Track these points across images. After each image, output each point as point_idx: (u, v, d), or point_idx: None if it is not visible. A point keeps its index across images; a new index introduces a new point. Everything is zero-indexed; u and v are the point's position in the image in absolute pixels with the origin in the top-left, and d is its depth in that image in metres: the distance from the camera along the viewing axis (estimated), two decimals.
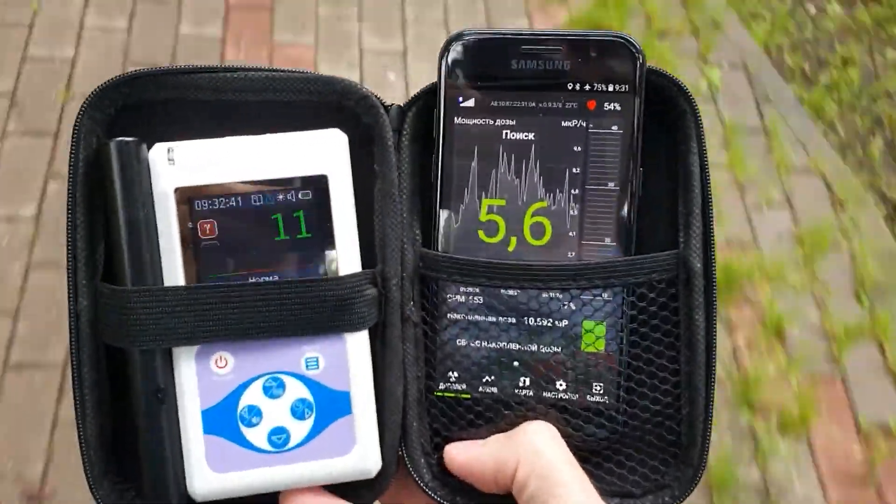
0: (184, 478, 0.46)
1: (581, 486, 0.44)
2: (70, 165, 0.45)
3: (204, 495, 0.46)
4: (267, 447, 0.46)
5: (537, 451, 0.45)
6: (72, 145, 0.45)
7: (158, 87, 0.47)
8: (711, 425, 0.47)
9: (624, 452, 0.49)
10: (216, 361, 0.46)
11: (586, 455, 0.49)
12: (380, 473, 0.47)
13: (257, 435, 0.46)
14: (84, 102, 0.45)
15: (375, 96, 0.48)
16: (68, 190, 0.45)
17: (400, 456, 0.48)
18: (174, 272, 0.45)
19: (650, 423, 0.49)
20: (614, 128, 0.48)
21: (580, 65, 0.48)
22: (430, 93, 0.49)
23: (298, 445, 0.46)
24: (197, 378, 0.45)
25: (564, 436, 0.47)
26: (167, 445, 0.45)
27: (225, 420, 0.46)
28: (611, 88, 0.48)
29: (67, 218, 0.45)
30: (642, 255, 0.48)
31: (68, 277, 0.45)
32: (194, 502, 0.46)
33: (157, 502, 0.45)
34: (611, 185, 0.48)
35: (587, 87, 0.48)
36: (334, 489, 0.47)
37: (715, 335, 0.47)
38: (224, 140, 0.46)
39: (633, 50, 0.47)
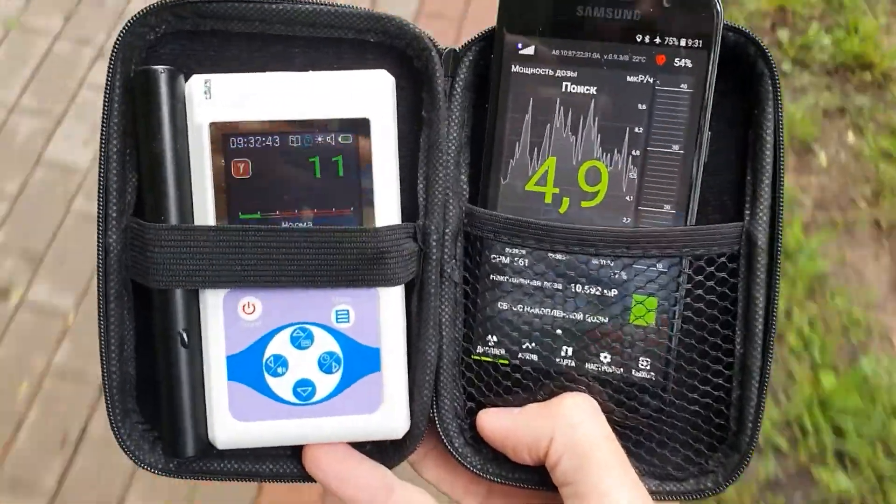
0: (205, 424, 0.44)
1: (618, 464, 0.41)
2: (106, 92, 0.43)
3: (225, 443, 0.44)
4: (291, 398, 0.44)
5: (574, 425, 0.42)
6: (108, 71, 0.43)
7: (202, 15, 0.45)
8: (763, 412, 0.44)
9: (667, 433, 0.46)
10: (244, 307, 0.44)
11: (627, 433, 0.46)
12: (407, 434, 0.45)
13: (282, 385, 0.44)
14: (124, 27, 0.43)
15: (429, 38, 0.45)
16: (102, 118, 0.44)
17: (431, 418, 0.46)
18: (204, 211, 0.43)
19: (697, 405, 0.46)
20: (683, 86, 0.44)
21: (652, 15, 0.44)
22: (489, 38, 0.46)
23: (324, 399, 0.44)
24: (223, 323, 0.44)
25: (605, 411, 0.44)
26: (189, 390, 0.44)
27: (250, 368, 0.44)
28: (683, 43, 0.44)
29: (100, 147, 0.44)
30: (703, 225, 0.45)
31: (98, 211, 0.44)
32: (215, 450, 0.45)
33: (176, 447, 0.44)
34: (675, 147, 0.45)
35: (658, 41, 0.44)
36: (360, 447, 0.46)
37: (775, 316, 0.44)
38: (264, 75, 0.44)
39: (711, 3, 0.43)
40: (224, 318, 0.44)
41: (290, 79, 0.44)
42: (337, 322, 0.44)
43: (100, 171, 0.44)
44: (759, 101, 0.45)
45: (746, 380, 0.44)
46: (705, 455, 0.46)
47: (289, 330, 0.44)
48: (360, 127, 0.43)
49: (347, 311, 0.44)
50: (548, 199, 0.46)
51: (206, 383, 0.44)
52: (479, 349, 0.47)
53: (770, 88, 0.44)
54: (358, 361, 0.44)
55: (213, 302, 0.44)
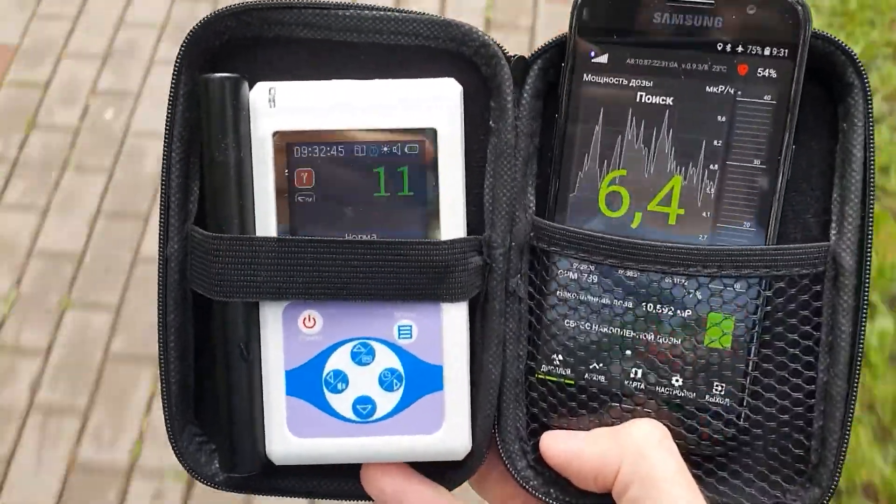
0: (263, 439, 0.43)
1: (689, 497, 0.39)
2: (169, 99, 0.43)
3: (282, 459, 0.43)
4: (351, 416, 0.43)
5: (644, 454, 0.40)
6: (172, 78, 0.43)
7: (266, 22, 0.44)
8: (847, 444, 0.42)
9: (742, 462, 0.44)
10: (304, 321, 0.43)
11: (698, 460, 0.44)
12: (469, 456, 0.44)
13: (342, 402, 0.43)
14: (188, 35, 0.43)
15: (497, 45, 0.44)
16: (166, 126, 0.43)
17: (492, 439, 0.45)
18: (267, 221, 0.42)
19: (775, 434, 0.43)
20: (767, 97, 0.42)
21: (734, 22, 0.42)
22: (560, 45, 0.44)
23: (384, 418, 0.43)
24: (283, 336, 0.43)
25: (676, 437, 0.42)
26: (247, 404, 0.43)
27: (309, 383, 0.43)
28: (767, 52, 0.42)
29: (163, 156, 0.43)
30: (786, 244, 0.43)
31: (160, 219, 0.43)
32: (271, 465, 0.44)
33: (233, 461, 0.43)
34: (756, 162, 0.42)
35: (740, 49, 0.42)
36: (419, 467, 0.44)
37: (862, 343, 0.41)
38: (329, 83, 0.43)
39: (799, 9, 0.41)
40: (284, 332, 0.43)
41: (356, 87, 0.43)
42: (399, 338, 0.43)
43: (162, 180, 0.43)
44: (847, 114, 0.42)
45: (830, 410, 0.42)
46: (782, 487, 0.43)
47: (350, 345, 0.43)
48: (427, 137, 0.42)
49: (410, 326, 0.43)
50: (619, 213, 0.44)
51: (265, 398, 0.43)
52: (544, 368, 0.45)
53: (861, 100, 0.42)
54: (420, 379, 0.43)
55: (273, 314, 0.43)
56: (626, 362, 0.44)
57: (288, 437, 0.43)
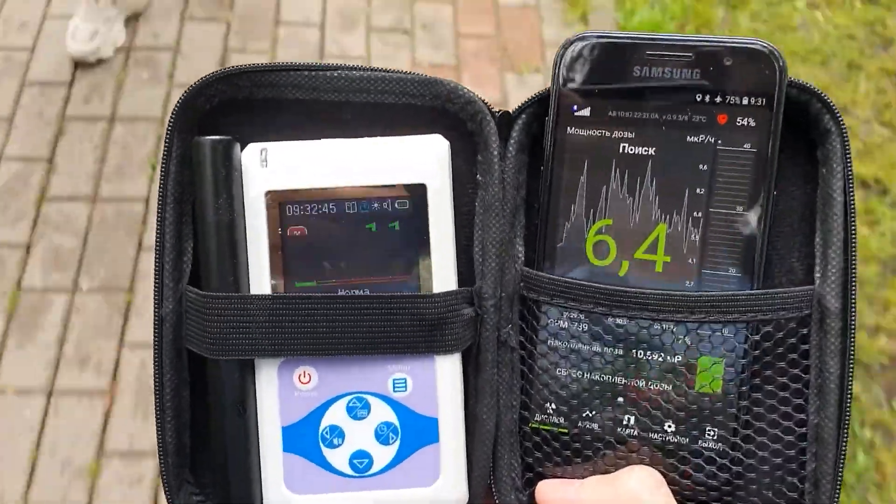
0: (261, 496, 0.43)
1: None
2: (163, 162, 0.44)
3: None
4: (348, 471, 0.43)
5: (639, 501, 0.41)
6: (165, 141, 0.44)
7: (256, 84, 0.45)
8: (840, 486, 0.42)
9: None
10: (299, 376, 0.43)
11: None
12: None
13: (339, 457, 0.43)
14: (180, 98, 0.44)
15: (482, 101, 0.45)
16: (160, 188, 0.44)
17: (488, 489, 0.45)
18: (261, 280, 0.43)
19: (769, 477, 0.44)
20: (747, 145, 0.43)
21: (712, 74, 0.43)
22: (543, 99, 0.45)
23: (381, 472, 0.43)
24: (279, 393, 0.43)
25: (670, 483, 0.43)
26: (244, 461, 0.43)
27: (306, 439, 0.43)
28: (746, 101, 0.43)
29: (157, 217, 0.44)
30: (771, 289, 0.43)
31: (155, 279, 0.44)
32: None
33: None
34: (739, 208, 0.43)
35: (718, 100, 0.43)
36: None
37: (851, 384, 0.42)
38: (319, 142, 0.44)
39: (775, 59, 0.42)
40: (279, 388, 0.43)
41: (346, 145, 0.43)
42: (394, 391, 0.43)
43: (156, 240, 0.44)
44: (826, 160, 0.43)
45: (822, 452, 0.42)
46: None
47: (345, 400, 0.43)
48: (416, 192, 0.43)
49: (405, 379, 0.43)
50: (607, 262, 0.45)
51: (262, 454, 0.43)
52: (538, 417, 0.45)
53: (838, 146, 0.43)
54: (416, 432, 0.43)
55: (269, 371, 0.43)
56: (619, 409, 0.44)
57: (285, 493, 0.43)
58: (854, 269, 0.42)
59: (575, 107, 0.44)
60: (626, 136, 0.44)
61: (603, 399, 0.45)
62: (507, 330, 0.45)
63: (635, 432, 0.44)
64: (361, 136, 0.44)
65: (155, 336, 0.44)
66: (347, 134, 0.44)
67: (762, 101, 0.42)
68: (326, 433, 0.43)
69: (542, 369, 0.45)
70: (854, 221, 0.42)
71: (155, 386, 0.44)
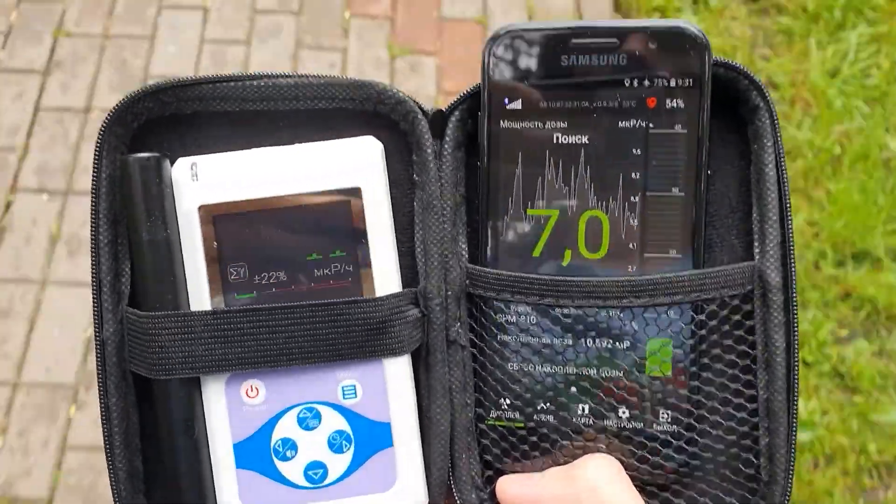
0: None
1: None
2: (93, 183, 0.43)
3: None
4: (303, 482, 0.43)
5: (597, 489, 0.41)
6: (94, 162, 0.43)
7: (182, 99, 0.44)
8: (795, 458, 0.42)
9: (696, 487, 0.44)
10: (247, 391, 0.43)
11: (654, 490, 0.44)
12: None
13: (293, 469, 0.43)
14: (106, 118, 0.43)
15: (413, 101, 0.45)
16: (91, 210, 0.43)
17: (448, 489, 0.44)
18: (200, 295, 0.42)
19: (725, 455, 0.44)
20: (678, 127, 0.43)
21: (638, 58, 0.43)
22: (475, 95, 0.45)
23: (337, 481, 0.43)
24: (227, 409, 0.43)
25: (629, 468, 0.43)
26: (197, 481, 0.42)
27: (258, 453, 0.43)
28: (673, 83, 0.43)
29: (91, 239, 0.43)
30: (712, 267, 0.43)
31: (93, 303, 0.43)
32: None
33: None
34: (675, 190, 0.43)
35: (647, 83, 0.43)
36: None
37: (797, 356, 0.42)
38: (250, 152, 0.43)
39: (698, 39, 0.42)
40: (227, 404, 0.43)
41: (277, 153, 0.43)
42: (344, 398, 0.43)
43: (92, 263, 0.43)
44: (757, 136, 0.43)
45: (774, 426, 0.42)
46: None
47: (295, 411, 0.43)
48: (352, 196, 0.43)
49: (354, 385, 0.43)
50: (548, 253, 0.45)
51: (214, 472, 0.43)
52: (493, 414, 0.45)
53: (767, 121, 0.43)
54: (369, 438, 0.43)
55: (215, 388, 0.42)
56: (572, 399, 0.44)
57: None
58: (791, 241, 0.42)
59: (506, 100, 0.44)
60: (558, 126, 0.44)
61: (556, 390, 0.44)
62: (456, 328, 0.45)
63: (590, 421, 0.44)
64: (294, 144, 0.44)
65: (98, 361, 0.43)
66: (280, 142, 0.44)
67: (690, 82, 0.43)
68: (279, 446, 0.43)
69: (494, 365, 0.45)
70: (788, 195, 0.43)
71: (102, 412, 0.43)
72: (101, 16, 1.89)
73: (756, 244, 0.43)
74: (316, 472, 0.43)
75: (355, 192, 0.43)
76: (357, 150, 0.43)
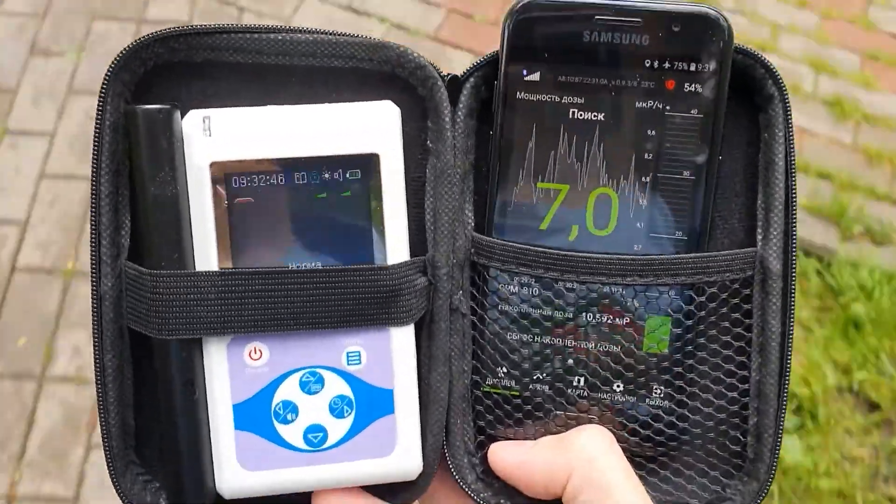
0: (212, 474, 0.42)
1: (636, 499, 0.41)
2: (95, 132, 0.41)
3: (233, 493, 0.43)
4: (303, 445, 0.43)
5: (591, 459, 0.42)
6: (98, 108, 0.41)
7: (194, 47, 0.42)
8: (781, 439, 0.44)
9: (683, 461, 0.46)
10: (250, 353, 0.42)
11: (641, 461, 0.46)
12: (421, 475, 0.44)
13: (293, 432, 0.43)
14: (112, 63, 0.41)
15: (432, 65, 0.44)
16: (93, 159, 0.41)
17: (442, 454, 0.45)
18: (207, 255, 0.41)
19: (713, 432, 0.45)
20: (694, 111, 0.43)
21: (660, 40, 0.43)
22: (492, 63, 0.45)
23: (336, 445, 0.43)
24: (229, 370, 0.42)
25: (619, 440, 0.44)
26: (195, 440, 0.42)
27: (258, 415, 0.42)
28: (693, 68, 0.43)
29: (91, 189, 0.41)
30: (715, 251, 0.44)
31: (91, 256, 0.41)
32: (222, 500, 0.43)
33: (181, 499, 0.42)
34: (686, 173, 0.44)
35: (667, 65, 0.43)
36: (371, 488, 0.44)
37: (791, 343, 0.44)
38: (266, 109, 0.42)
39: (722, 25, 0.43)
40: (229, 366, 0.42)
41: (294, 112, 0.42)
42: (348, 364, 0.43)
43: (91, 214, 0.41)
44: (769, 125, 0.44)
45: (763, 407, 0.44)
46: (722, 483, 0.45)
47: (298, 375, 0.42)
48: (368, 162, 0.42)
49: (359, 352, 0.43)
50: (556, 227, 0.45)
51: (213, 433, 0.42)
52: (489, 381, 0.46)
53: (780, 111, 0.44)
54: (370, 404, 0.43)
55: (217, 349, 0.42)
56: (569, 371, 0.45)
57: (238, 471, 0.42)
58: (794, 231, 0.44)
59: (525, 71, 0.44)
60: (575, 102, 0.44)
61: (553, 361, 0.45)
62: (458, 296, 0.45)
63: (585, 393, 0.45)
64: (307, 102, 0.42)
65: (94, 314, 0.42)
66: (292, 100, 0.43)
67: (709, 68, 0.43)
68: (279, 409, 0.42)
69: (493, 334, 0.45)
70: (794, 185, 0.44)
71: (96, 367, 0.42)
72: None
73: (759, 231, 0.44)
74: (316, 435, 0.43)
75: (373, 158, 0.42)
76: (376, 115, 0.42)
